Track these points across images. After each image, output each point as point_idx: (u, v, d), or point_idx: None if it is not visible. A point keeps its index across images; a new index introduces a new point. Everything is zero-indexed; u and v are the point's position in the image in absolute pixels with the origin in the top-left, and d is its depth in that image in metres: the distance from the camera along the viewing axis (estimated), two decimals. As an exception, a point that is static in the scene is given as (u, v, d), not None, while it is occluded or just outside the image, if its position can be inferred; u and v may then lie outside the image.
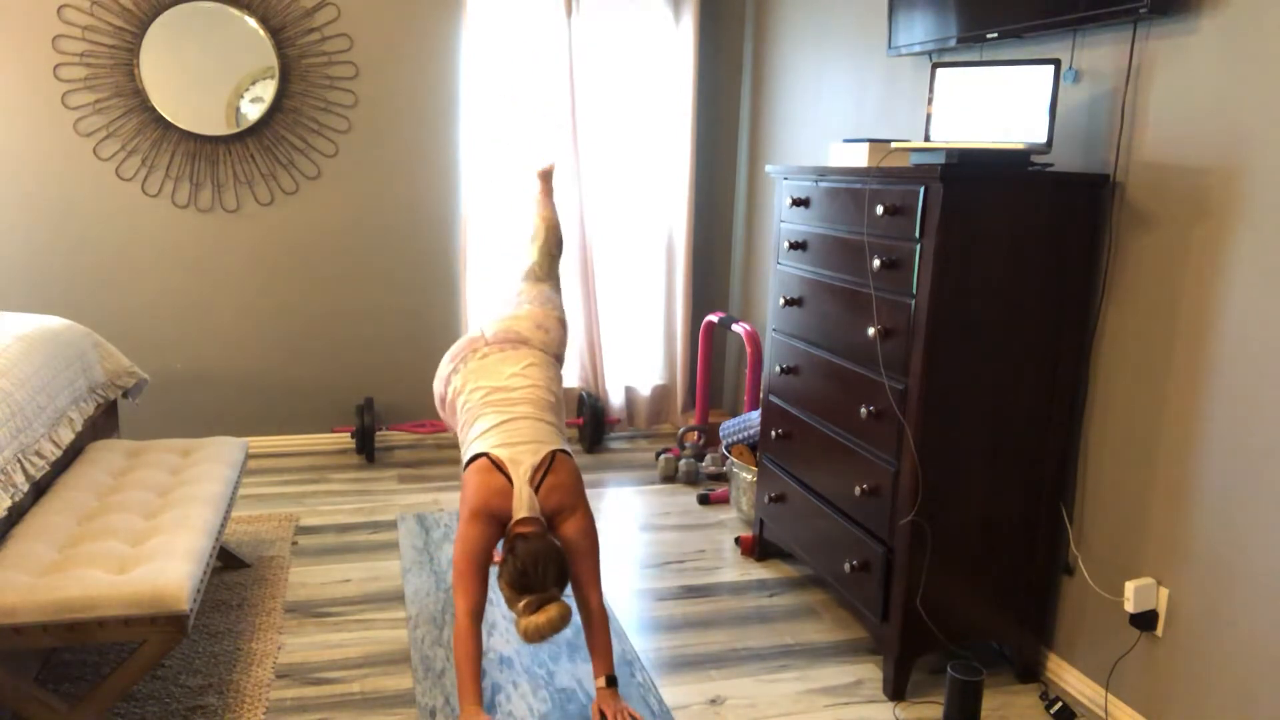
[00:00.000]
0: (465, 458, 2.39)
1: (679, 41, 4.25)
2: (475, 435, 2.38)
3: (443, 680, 2.43)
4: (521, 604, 2.12)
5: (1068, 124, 2.46)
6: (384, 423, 4.31)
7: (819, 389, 2.73)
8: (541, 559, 2.14)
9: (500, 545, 2.30)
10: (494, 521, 2.24)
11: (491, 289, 4.21)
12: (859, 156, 2.59)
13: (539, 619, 2.08)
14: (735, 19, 4.43)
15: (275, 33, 3.81)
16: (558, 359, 2.66)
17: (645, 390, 4.58)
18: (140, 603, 1.95)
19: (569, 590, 2.68)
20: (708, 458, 4.08)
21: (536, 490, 2.26)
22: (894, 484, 2.37)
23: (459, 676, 2.14)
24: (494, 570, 2.91)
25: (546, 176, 2.93)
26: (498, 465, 2.27)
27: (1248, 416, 1.98)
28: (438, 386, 2.66)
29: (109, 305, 3.89)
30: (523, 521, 2.23)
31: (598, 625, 2.29)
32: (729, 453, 3.58)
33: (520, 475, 2.26)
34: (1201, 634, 2.11)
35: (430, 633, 2.66)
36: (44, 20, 3.61)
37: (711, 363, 4.52)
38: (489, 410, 2.41)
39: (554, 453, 2.31)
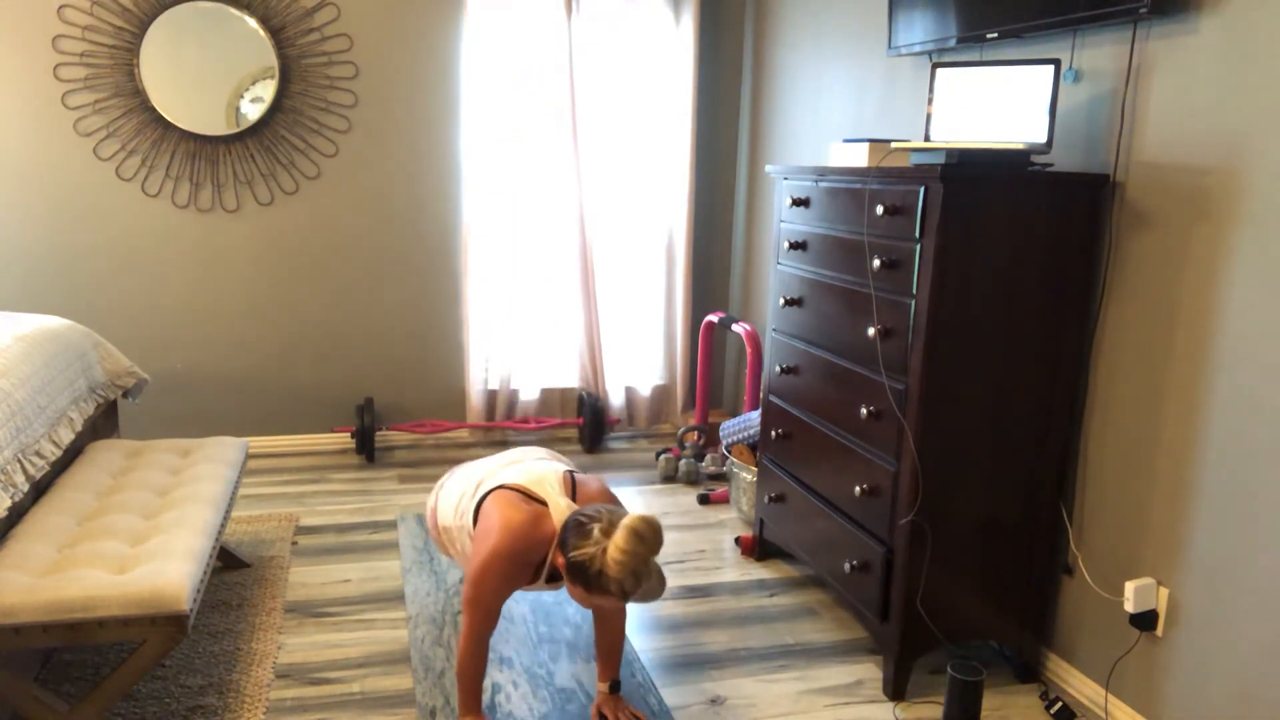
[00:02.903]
0: (473, 505, 2.26)
1: (679, 42, 4.25)
2: (481, 480, 2.31)
3: (443, 680, 2.43)
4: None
5: (1068, 124, 2.46)
6: (384, 423, 4.31)
7: (819, 389, 2.73)
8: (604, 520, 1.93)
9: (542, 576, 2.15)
10: (522, 564, 2.07)
11: (493, 290, 4.21)
12: (859, 156, 2.59)
13: (636, 526, 1.86)
14: (735, 19, 4.43)
15: (275, 33, 3.81)
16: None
17: (645, 390, 4.57)
18: (140, 603, 1.95)
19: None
20: (708, 458, 4.08)
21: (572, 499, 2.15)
22: (894, 484, 2.37)
23: (463, 689, 2.10)
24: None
25: None
26: (521, 491, 2.15)
27: (1248, 416, 1.98)
28: (447, 519, 2.43)
29: (109, 305, 3.89)
30: None
31: (617, 633, 2.26)
32: (729, 453, 3.58)
33: (551, 492, 2.14)
34: (1201, 634, 2.11)
35: (430, 633, 2.66)
36: (44, 20, 3.61)
37: (711, 363, 4.52)
38: (491, 467, 2.36)
39: (570, 473, 2.26)
